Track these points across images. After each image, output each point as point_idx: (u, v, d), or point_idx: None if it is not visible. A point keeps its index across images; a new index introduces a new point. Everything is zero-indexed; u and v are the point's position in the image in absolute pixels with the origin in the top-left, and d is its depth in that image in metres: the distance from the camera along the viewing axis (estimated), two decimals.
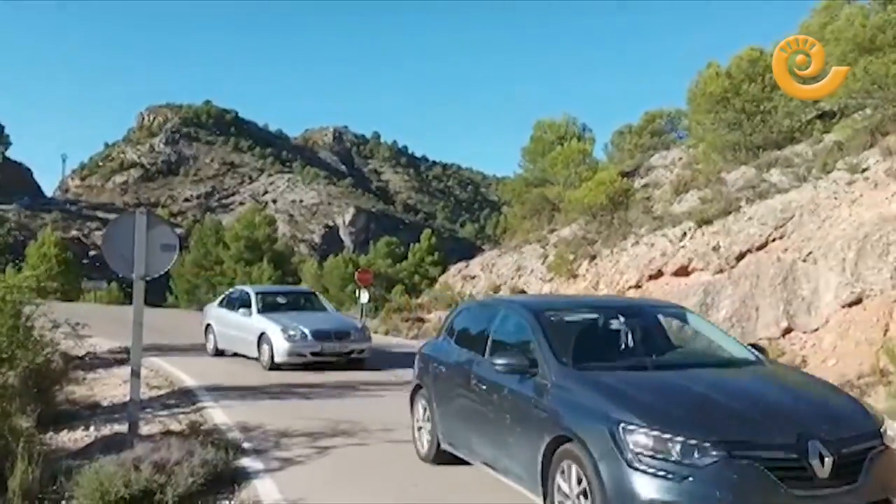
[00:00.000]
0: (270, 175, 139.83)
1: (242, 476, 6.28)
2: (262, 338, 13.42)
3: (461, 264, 30.34)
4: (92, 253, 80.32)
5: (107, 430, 8.06)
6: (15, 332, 7.76)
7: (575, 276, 20.38)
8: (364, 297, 24.70)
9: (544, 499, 4.72)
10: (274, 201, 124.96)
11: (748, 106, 19.34)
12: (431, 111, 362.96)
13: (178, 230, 68.73)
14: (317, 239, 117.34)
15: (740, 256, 14.55)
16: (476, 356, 6.06)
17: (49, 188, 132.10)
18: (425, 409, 6.84)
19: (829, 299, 11.95)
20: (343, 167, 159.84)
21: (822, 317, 11.99)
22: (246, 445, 7.34)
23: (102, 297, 44.59)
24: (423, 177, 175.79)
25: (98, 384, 11.45)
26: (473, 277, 27.00)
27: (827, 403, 4.76)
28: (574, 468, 4.41)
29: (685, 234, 16.90)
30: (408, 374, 12.19)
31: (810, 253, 12.75)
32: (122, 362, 13.29)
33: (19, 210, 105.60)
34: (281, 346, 13.01)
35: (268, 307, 14.51)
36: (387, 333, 21.18)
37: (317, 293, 17.34)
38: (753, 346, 6.02)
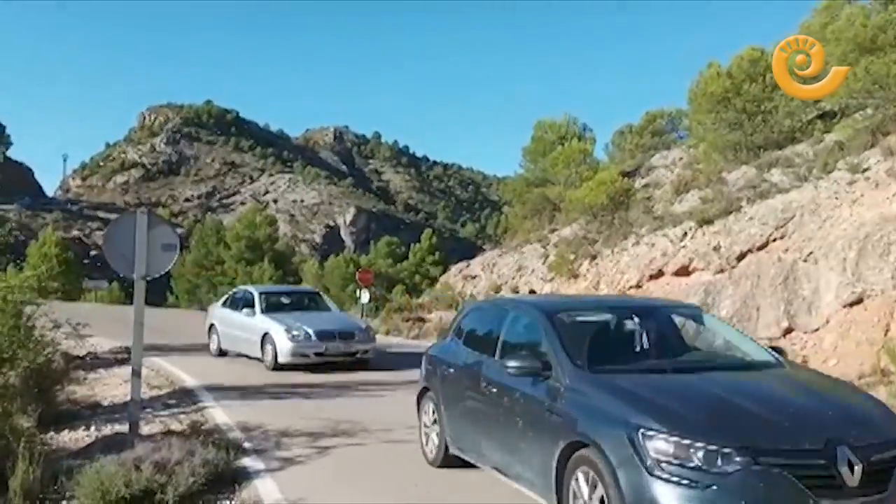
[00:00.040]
0: (271, 175, 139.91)
1: (243, 476, 6.28)
2: (265, 338, 13.33)
3: (462, 264, 30.35)
4: (93, 253, 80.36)
5: (107, 430, 8.06)
6: (16, 331, 7.75)
7: (576, 276, 20.39)
8: (365, 296, 24.72)
9: None
10: (275, 201, 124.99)
11: (749, 106, 19.34)
12: (432, 111, 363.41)
13: (179, 230, 68.78)
14: (318, 239, 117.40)
15: (741, 256, 14.55)
16: (486, 358, 5.90)
17: (50, 188, 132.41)
18: (433, 412, 6.68)
19: (829, 299, 11.95)
20: (344, 167, 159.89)
21: (823, 317, 11.98)
22: (247, 445, 7.34)
23: (103, 297, 44.65)
24: (423, 177, 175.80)
25: (99, 384, 11.46)
26: (474, 277, 27.01)
27: (853, 407, 4.58)
28: (590, 475, 4.26)
29: (686, 233, 16.90)
30: (409, 375, 12.28)
31: (811, 253, 12.74)
32: (122, 362, 13.29)
33: (20, 210, 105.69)
34: (284, 347, 12.92)
35: (271, 307, 14.40)
36: (387, 333, 21.17)
37: (321, 293, 17.20)
38: (772, 347, 5.85)
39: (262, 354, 13.40)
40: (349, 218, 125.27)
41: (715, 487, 3.78)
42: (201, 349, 15.58)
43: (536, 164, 30.26)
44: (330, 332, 13.37)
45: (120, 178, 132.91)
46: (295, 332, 13.02)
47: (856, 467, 3.85)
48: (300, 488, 5.95)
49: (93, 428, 8.25)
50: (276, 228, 53.52)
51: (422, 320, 23.12)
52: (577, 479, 4.38)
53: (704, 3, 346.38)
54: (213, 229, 51.18)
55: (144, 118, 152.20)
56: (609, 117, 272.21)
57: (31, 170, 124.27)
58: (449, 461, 6.36)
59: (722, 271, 14.78)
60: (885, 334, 10.61)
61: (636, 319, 5.71)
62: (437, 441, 6.54)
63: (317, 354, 13.05)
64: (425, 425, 6.87)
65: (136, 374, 7.42)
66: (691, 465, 3.85)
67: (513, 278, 24.07)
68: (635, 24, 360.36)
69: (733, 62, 20.06)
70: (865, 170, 13.88)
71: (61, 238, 56.74)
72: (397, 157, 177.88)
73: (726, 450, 3.85)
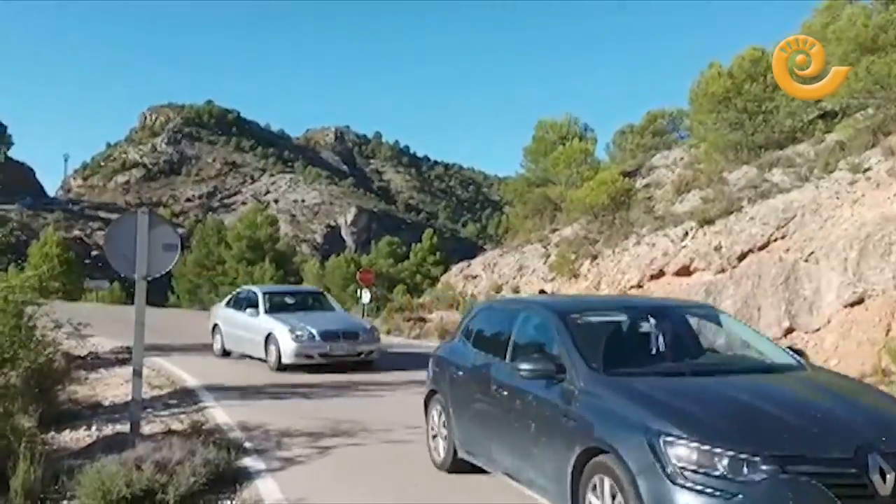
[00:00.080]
0: (272, 175, 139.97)
1: (244, 476, 6.28)
2: (269, 338, 13.21)
3: (463, 264, 30.36)
4: (94, 253, 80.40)
5: (109, 430, 8.06)
6: (17, 331, 7.77)
7: (577, 276, 20.39)
8: (366, 296, 24.73)
9: None
10: (276, 201, 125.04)
11: (750, 106, 19.34)
12: (433, 111, 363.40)
13: (180, 230, 68.83)
14: (319, 239, 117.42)
15: (742, 256, 14.55)
16: (496, 360, 5.75)
17: (51, 188, 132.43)
18: (441, 416, 6.51)
19: (830, 299, 11.95)
20: (345, 167, 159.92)
21: (824, 317, 11.98)
22: (248, 445, 7.34)
23: (105, 297, 44.70)
24: (424, 177, 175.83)
25: (100, 384, 11.47)
26: (475, 277, 27.01)
27: (882, 412, 4.36)
28: (608, 482, 4.10)
29: (687, 233, 16.90)
30: (410, 375, 12.29)
31: (812, 253, 12.74)
32: (124, 362, 13.29)
33: (22, 210, 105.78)
34: (288, 347, 12.81)
35: (275, 307, 14.27)
36: (388, 333, 21.17)
37: (325, 293, 17.02)
38: (792, 349, 5.67)
39: (266, 355, 13.29)
40: (350, 218, 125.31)
41: (741, 497, 3.62)
42: (202, 349, 15.58)
43: (537, 164, 30.27)
44: (334, 332, 13.23)
45: (121, 178, 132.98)
46: (299, 333, 12.90)
47: (888, 475, 3.70)
48: (301, 488, 5.95)
49: (94, 428, 8.25)
50: (277, 228, 53.51)
51: (423, 320, 23.14)
52: (593, 487, 4.23)
53: (705, 3, 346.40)
54: (214, 229, 51.22)
55: (146, 118, 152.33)
56: (610, 117, 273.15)
57: (32, 170, 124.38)
58: (458, 465, 6.20)
59: (723, 271, 14.77)
60: (887, 334, 10.61)
61: (651, 320, 5.52)
62: (445, 445, 6.38)
63: (321, 355, 12.93)
64: (433, 429, 6.70)
65: (138, 373, 7.42)
66: (715, 473, 3.70)
67: (514, 278, 24.07)
68: (636, 24, 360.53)
69: (734, 62, 20.06)
70: (866, 170, 13.88)
71: (62, 238, 56.77)
72: (398, 157, 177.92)
73: (753, 457, 3.69)
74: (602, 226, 21.70)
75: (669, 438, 3.85)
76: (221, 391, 10.68)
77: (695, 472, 3.73)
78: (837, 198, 13.65)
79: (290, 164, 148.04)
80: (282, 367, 12.81)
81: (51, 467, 5.74)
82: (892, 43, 14.88)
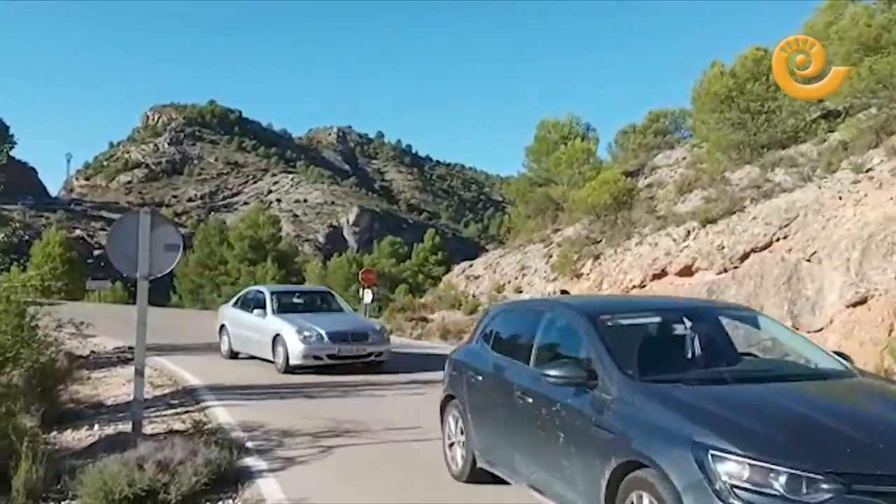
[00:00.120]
0: (274, 175, 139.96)
1: (246, 475, 6.27)
2: (276, 339, 13.01)
3: (465, 264, 30.38)
4: (96, 252, 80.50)
5: (110, 430, 8.07)
6: (20, 331, 7.77)
7: (579, 276, 20.38)
8: (368, 296, 24.72)
9: None
10: (278, 201, 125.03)
11: (752, 105, 19.33)
12: (435, 111, 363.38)
13: (182, 230, 68.87)
14: (321, 238, 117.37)
15: (744, 256, 14.54)
16: (519, 364, 5.43)
17: (54, 188, 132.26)
18: (458, 423, 6.17)
19: (833, 299, 11.93)
20: (347, 167, 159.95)
21: (827, 317, 11.97)
22: (249, 445, 7.33)
23: (107, 297, 44.69)
24: (426, 176, 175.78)
25: (102, 383, 11.49)
26: (477, 277, 27.01)
27: None
28: (647, 499, 3.80)
29: (689, 233, 16.89)
30: (412, 375, 12.30)
31: (815, 253, 12.72)
32: (126, 361, 13.32)
33: (24, 210, 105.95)
34: (296, 348, 12.58)
35: (283, 308, 14.05)
36: (390, 333, 21.17)
37: (333, 293, 16.73)
38: (838, 353, 5.25)
39: (274, 356, 13.09)
40: (352, 218, 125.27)
41: None
42: (204, 349, 15.57)
43: (540, 164, 30.29)
44: (343, 333, 13.00)
45: (123, 178, 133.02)
46: (307, 334, 12.67)
47: None
48: (303, 488, 5.94)
49: (96, 427, 8.27)
50: (280, 228, 53.57)
51: (425, 320, 23.16)
52: None
53: (706, 2, 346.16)
54: (216, 229, 51.30)
55: (148, 118, 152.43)
56: (612, 117, 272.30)
57: (34, 170, 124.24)
58: (477, 476, 5.89)
59: (725, 271, 14.76)
60: (889, 334, 10.60)
61: (687, 322, 5.10)
62: (463, 453, 6.06)
63: (329, 356, 12.69)
64: (450, 437, 6.34)
65: (139, 373, 7.43)
66: (771, 492, 3.39)
67: (516, 278, 24.08)
68: (636, 24, 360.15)
69: (737, 62, 20.06)
70: (869, 169, 13.87)
71: (65, 238, 56.83)
72: (400, 157, 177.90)
73: (814, 475, 3.37)
74: (604, 226, 21.69)
75: (719, 453, 3.55)
76: (223, 391, 10.67)
77: (747, 490, 3.43)
78: (840, 198, 13.63)
79: (292, 163, 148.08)
80: (290, 369, 12.61)
81: (53, 467, 5.75)
82: (894, 42, 14.87)
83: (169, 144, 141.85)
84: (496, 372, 5.72)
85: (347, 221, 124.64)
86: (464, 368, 6.27)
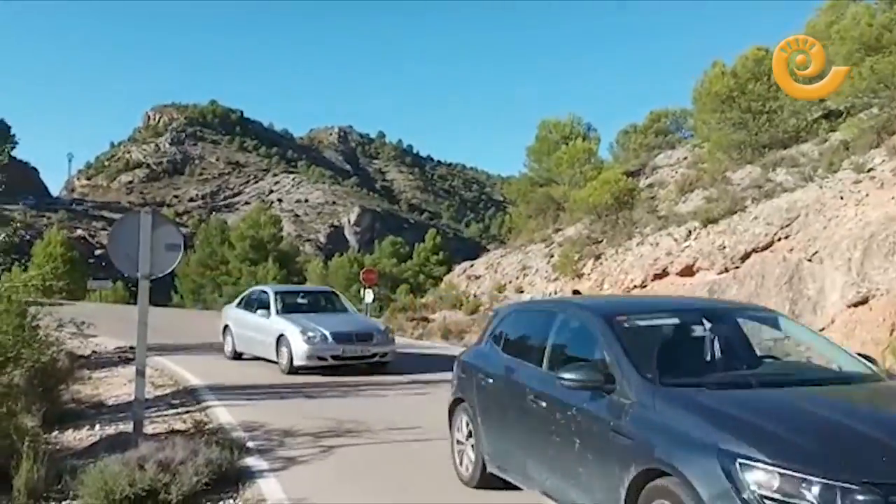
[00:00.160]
0: (276, 175, 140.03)
1: (247, 475, 6.27)
2: (280, 340, 12.91)
3: (466, 264, 30.40)
4: (98, 252, 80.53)
5: (111, 430, 8.08)
6: (21, 331, 7.78)
7: (580, 276, 20.38)
8: (369, 296, 24.74)
9: None
10: (279, 201, 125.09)
11: (754, 105, 19.33)
12: (436, 111, 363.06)
13: (184, 230, 68.89)
14: (322, 238, 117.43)
15: (746, 256, 14.54)
16: (531, 367, 5.28)
17: (55, 188, 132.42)
18: (468, 426, 6.03)
19: (834, 299, 11.93)
20: (348, 167, 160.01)
21: (828, 316, 11.97)
22: (250, 445, 7.33)
23: (108, 297, 44.74)
24: (427, 176, 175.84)
25: (103, 383, 11.50)
26: (478, 277, 27.02)
27: None
28: None
29: (690, 233, 16.89)
30: (413, 376, 12.30)
31: (816, 252, 12.72)
32: (127, 361, 13.32)
33: (25, 210, 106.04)
34: (300, 349, 12.48)
35: (287, 308, 13.94)
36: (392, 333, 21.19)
37: (338, 293, 16.60)
38: (862, 355, 5.06)
39: (278, 357, 13.01)
40: (353, 217, 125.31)
41: None
42: (205, 349, 15.57)
43: (541, 164, 30.30)
44: (347, 333, 12.89)
45: (125, 178, 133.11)
46: (311, 334, 12.57)
47: None
48: (303, 488, 5.94)
49: (97, 427, 8.28)
50: (281, 228, 53.63)
51: (426, 320, 23.18)
52: None
53: (707, 2, 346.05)
54: (217, 229, 51.37)
55: (149, 118, 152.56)
56: (613, 117, 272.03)
57: (36, 169, 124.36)
58: (487, 481, 5.74)
59: (726, 271, 14.76)
60: (891, 334, 10.59)
61: (706, 324, 4.95)
62: (473, 458, 5.90)
63: (334, 357, 12.59)
64: (458, 441, 6.19)
65: (140, 373, 7.43)
66: (803, 503, 3.24)
67: (517, 278, 24.08)
68: (637, 24, 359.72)
69: (738, 61, 20.06)
70: (870, 169, 13.87)
71: (66, 237, 56.93)
72: (401, 157, 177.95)
73: (849, 486, 3.20)
74: (605, 225, 21.70)
75: (747, 461, 3.38)
76: (224, 391, 10.68)
77: (777, 501, 3.28)
78: (841, 197, 13.63)
79: (293, 163, 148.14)
80: (293, 370, 12.52)
81: (54, 467, 5.75)
82: (895, 42, 14.87)
83: (170, 144, 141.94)
84: (507, 374, 5.57)
85: (348, 221, 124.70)
86: (473, 371, 6.12)
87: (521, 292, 22.43)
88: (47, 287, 8.88)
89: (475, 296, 24.62)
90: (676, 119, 33.80)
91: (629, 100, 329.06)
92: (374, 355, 13.00)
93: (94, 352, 14.67)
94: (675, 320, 5.20)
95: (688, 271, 16.05)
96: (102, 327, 12.60)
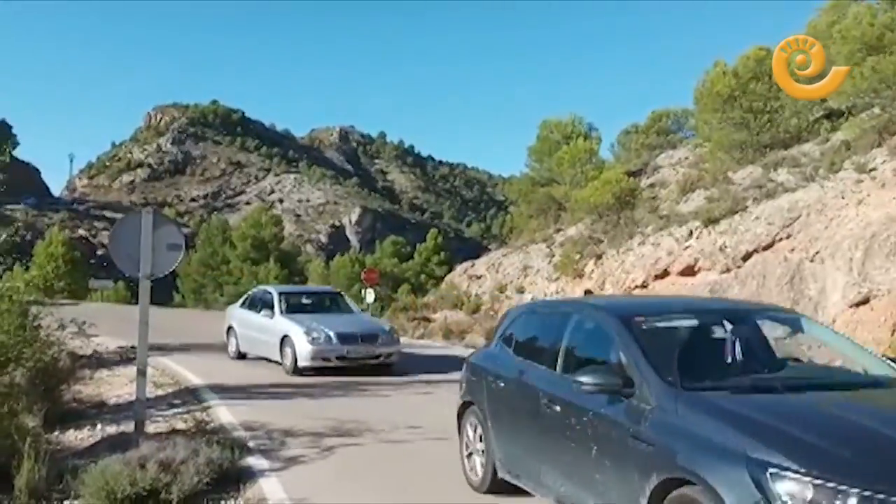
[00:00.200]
0: (277, 175, 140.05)
1: (248, 475, 6.28)
2: (284, 341, 12.82)
3: (467, 264, 30.38)
4: (99, 252, 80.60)
5: (113, 429, 8.08)
6: (22, 331, 7.79)
7: (581, 276, 20.38)
8: (370, 296, 24.75)
9: None
10: (280, 201, 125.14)
11: (755, 105, 19.33)
12: (437, 111, 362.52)
13: (185, 230, 68.96)
14: (323, 238, 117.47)
15: (747, 256, 14.53)
16: (544, 370, 5.12)
17: (57, 188, 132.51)
18: (477, 430, 5.88)
19: (836, 299, 11.92)
20: (349, 167, 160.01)
21: (830, 316, 11.95)
22: (251, 444, 7.34)
23: (109, 297, 44.78)
24: (429, 176, 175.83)
25: (104, 383, 11.50)
26: (479, 277, 27.02)
27: None
28: None
29: (692, 233, 16.89)
30: (414, 376, 12.30)
31: (817, 252, 12.72)
32: (128, 361, 13.30)
33: (27, 210, 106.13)
34: (304, 350, 12.36)
35: (291, 308, 13.85)
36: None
37: (342, 293, 16.49)
38: (888, 357, 4.90)
39: (281, 358, 12.92)
40: (354, 217, 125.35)
41: None
42: (206, 349, 15.58)
43: (542, 164, 30.29)
44: (352, 334, 12.76)
45: (126, 178, 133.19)
46: (315, 335, 12.45)
47: None
48: (304, 488, 5.95)
49: (98, 427, 8.28)
50: (282, 228, 53.61)
51: (427, 320, 23.19)
52: None
53: (708, 2, 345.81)
54: (218, 229, 51.36)
55: (150, 118, 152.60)
56: (614, 117, 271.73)
57: (37, 169, 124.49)
58: (497, 486, 5.59)
59: (728, 271, 14.75)
60: (892, 334, 10.59)
61: (727, 325, 4.79)
62: (483, 463, 5.76)
63: (338, 358, 12.46)
64: (468, 445, 6.05)
65: (142, 373, 7.43)
66: None
67: (518, 278, 24.08)
68: (639, 24, 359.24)
69: (739, 61, 20.05)
70: (872, 169, 13.85)
71: (68, 238, 57.01)
72: (403, 157, 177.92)
73: (888, 498, 3.03)
74: (606, 225, 21.69)
75: (778, 471, 3.22)
76: (225, 391, 10.68)
77: None
78: (843, 197, 13.62)
79: (294, 163, 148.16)
80: (298, 371, 12.45)
81: (55, 466, 5.76)
82: None
83: (171, 144, 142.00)
84: (519, 377, 5.40)
85: (350, 221, 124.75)
86: (483, 373, 5.94)
87: (523, 292, 22.44)
88: (49, 287, 8.92)
89: (476, 296, 24.63)
90: (678, 119, 33.77)
91: (630, 100, 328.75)
92: (380, 356, 12.89)
93: (95, 351, 14.66)
94: (695, 322, 5.02)
95: (689, 271, 16.04)
96: (104, 327, 12.62)
